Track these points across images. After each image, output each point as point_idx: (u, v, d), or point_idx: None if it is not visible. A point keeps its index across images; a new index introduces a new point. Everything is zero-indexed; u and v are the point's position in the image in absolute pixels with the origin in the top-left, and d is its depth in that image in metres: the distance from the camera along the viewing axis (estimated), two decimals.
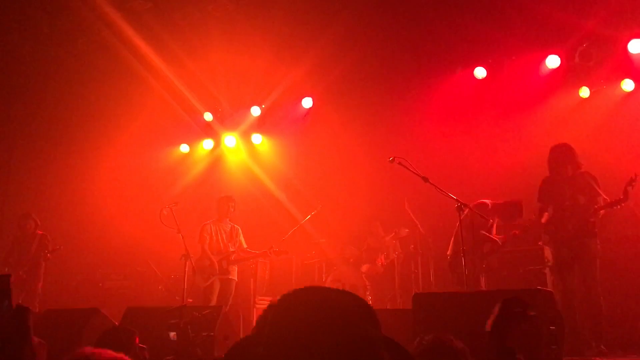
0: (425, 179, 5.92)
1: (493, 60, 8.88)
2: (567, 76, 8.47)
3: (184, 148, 11.26)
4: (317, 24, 8.53)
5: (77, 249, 9.55)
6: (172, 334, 5.14)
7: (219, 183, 10.69)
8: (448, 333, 2.50)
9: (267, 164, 10.77)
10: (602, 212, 5.84)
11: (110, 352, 2.17)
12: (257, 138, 10.94)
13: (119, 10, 8.33)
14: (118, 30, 8.56)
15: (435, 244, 8.53)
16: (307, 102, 10.29)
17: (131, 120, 10.57)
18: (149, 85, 9.66)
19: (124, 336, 3.83)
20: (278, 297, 1.45)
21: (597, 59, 8.11)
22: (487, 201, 7.02)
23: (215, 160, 11.25)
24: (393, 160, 5.90)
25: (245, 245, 8.15)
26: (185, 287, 7.24)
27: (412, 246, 8.77)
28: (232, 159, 11.16)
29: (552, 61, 8.43)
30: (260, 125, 10.93)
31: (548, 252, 6.96)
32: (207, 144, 11.21)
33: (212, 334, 5.47)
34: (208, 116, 10.79)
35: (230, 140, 10.93)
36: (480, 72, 8.96)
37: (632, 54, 7.94)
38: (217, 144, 11.17)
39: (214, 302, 7.56)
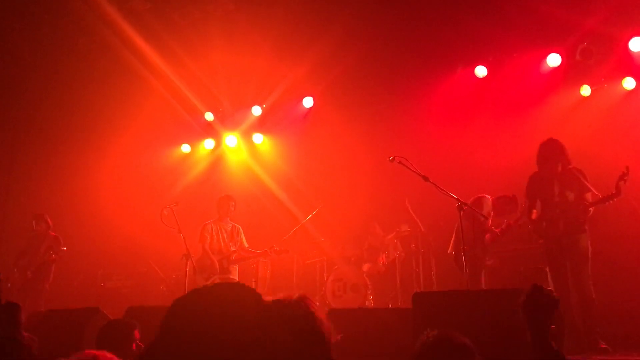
0: (426, 178, 5.92)
1: (494, 59, 8.88)
2: (568, 74, 8.46)
3: (185, 148, 11.28)
4: (317, 24, 8.53)
5: (78, 249, 9.55)
6: None
7: (220, 183, 10.70)
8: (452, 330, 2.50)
9: (268, 163, 10.78)
10: (592, 208, 5.80)
11: (109, 355, 2.18)
12: (258, 138, 10.95)
13: (119, 10, 8.34)
14: (119, 30, 8.57)
15: (436, 242, 8.53)
16: (307, 102, 10.30)
17: (132, 120, 10.58)
18: (150, 85, 9.67)
19: (124, 329, 3.82)
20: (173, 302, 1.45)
21: (598, 57, 8.10)
22: (487, 195, 7.07)
23: (216, 160, 11.26)
24: (393, 159, 5.91)
25: (246, 245, 8.16)
26: (187, 286, 7.26)
27: (413, 245, 8.76)
28: (233, 158, 11.17)
29: (553, 59, 8.43)
30: (261, 124, 10.94)
31: None
32: (208, 143, 11.22)
33: None
34: (209, 116, 10.81)
35: (231, 140, 10.94)
36: (481, 71, 8.97)
37: (633, 52, 7.93)
38: (218, 143, 11.19)
39: None
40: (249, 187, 10.37)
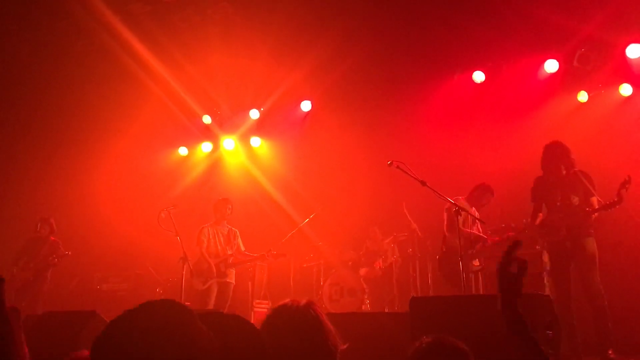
0: (423, 183, 5.92)
1: (492, 64, 8.90)
2: (565, 80, 8.49)
3: (183, 151, 11.28)
4: (316, 28, 8.54)
5: (75, 252, 9.51)
6: None
7: (217, 186, 10.70)
8: (448, 335, 2.49)
9: (266, 166, 10.78)
10: (594, 215, 5.73)
11: None
12: (255, 141, 10.95)
13: (117, 13, 8.33)
14: (117, 33, 8.56)
15: (433, 247, 8.53)
16: (306, 106, 10.31)
17: (130, 123, 10.57)
18: (148, 88, 9.66)
19: None
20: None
21: (595, 64, 8.13)
22: (459, 197, 7.10)
23: (214, 163, 11.26)
24: (391, 164, 5.91)
25: (243, 248, 8.15)
26: (183, 289, 7.24)
27: (411, 250, 8.76)
28: (231, 161, 11.17)
29: (551, 65, 8.46)
30: (259, 128, 10.95)
31: (546, 256, 6.99)
32: (205, 146, 11.23)
33: None
34: (207, 119, 10.81)
35: (229, 143, 10.94)
36: (478, 76, 8.99)
37: (630, 58, 7.97)
38: (216, 146, 11.19)
39: (211, 306, 7.56)
40: (246, 191, 10.37)
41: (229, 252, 7.97)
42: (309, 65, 9.02)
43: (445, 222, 7.19)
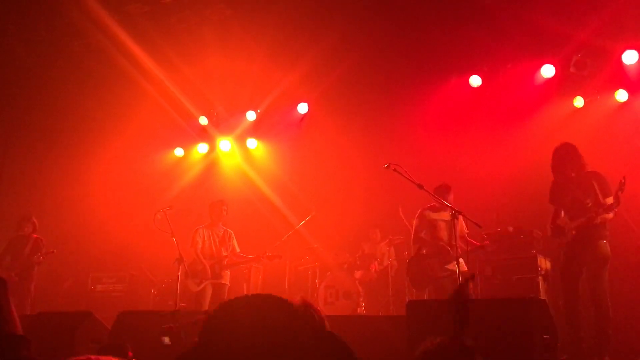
0: (420, 186, 5.92)
1: (488, 69, 8.93)
2: (561, 85, 8.52)
3: (179, 152, 11.26)
4: (312, 30, 8.55)
5: (69, 252, 9.51)
6: (166, 339, 5.12)
7: (213, 187, 10.69)
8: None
9: (262, 168, 10.78)
10: (598, 218, 5.62)
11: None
12: (252, 142, 10.94)
13: (114, 13, 8.32)
14: (113, 34, 8.54)
15: None
16: (302, 108, 10.31)
17: (126, 124, 10.56)
18: (144, 89, 9.64)
19: (117, 352, 3.81)
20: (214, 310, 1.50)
21: (591, 69, 8.17)
22: (424, 209, 7.22)
23: (210, 164, 11.25)
24: (388, 166, 5.90)
25: (238, 250, 8.13)
26: (178, 291, 7.23)
27: (406, 253, 8.76)
28: (227, 163, 11.16)
29: (547, 70, 8.49)
30: (256, 130, 10.94)
31: (541, 260, 7.01)
32: (202, 147, 11.21)
33: None
34: (203, 120, 10.80)
35: (225, 144, 10.93)
36: (475, 80, 9.02)
37: (626, 64, 8.01)
38: (212, 148, 11.18)
39: (206, 307, 7.54)
40: (242, 192, 10.36)
41: (224, 254, 7.96)
42: (305, 67, 9.03)
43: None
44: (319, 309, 2.74)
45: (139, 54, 8.90)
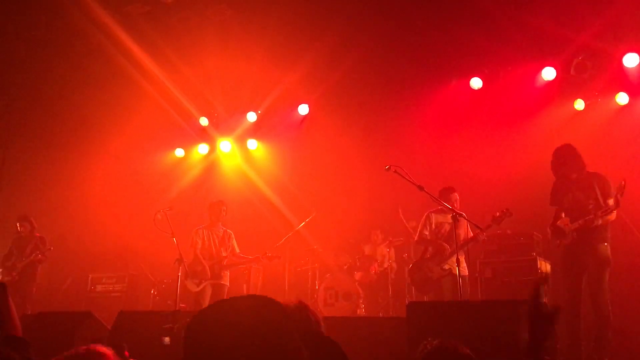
0: (421, 188, 5.92)
1: (489, 71, 8.94)
2: (562, 88, 8.53)
3: (179, 152, 11.27)
4: (313, 31, 8.56)
5: (69, 252, 9.50)
6: (166, 339, 5.11)
7: (214, 188, 10.68)
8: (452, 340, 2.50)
9: (263, 169, 10.78)
10: (599, 220, 5.60)
11: (103, 349, 2.20)
12: (252, 143, 10.95)
13: (115, 13, 8.32)
14: (113, 34, 8.55)
15: None
16: (303, 109, 10.32)
17: (126, 124, 10.56)
18: (145, 90, 9.65)
19: (114, 351, 3.79)
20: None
21: (592, 72, 8.18)
22: (430, 212, 7.21)
23: (211, 165, 11.25)
24: (389, 168, 5.90)
25: (237, 250, 8.12)
26: (178, 291, 7.23)
27: (406, 254, 8.76)
28: (227, 164, 11.16)
29: (548, 73, 8.51)
30: (256, 130, 10.95)
31: (541, 263, 7.01)
32: (202, 148, 11.22)
33: None
34: (204, 121, 10.81)
35: (225, 145, 10.94)
36: (476, 83, 9.02)
37: (626, 67, 8.02)
38: (213, 148, 11.18)
39: None
40: (242, 193, 10.36)
41: (224, 254, 7.95)
42: (306, 68, 9.04)
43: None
44: (315, 311, 2.74)
45: (139, 54, 8.91)
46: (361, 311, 8.38)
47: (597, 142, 7.90)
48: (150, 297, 9.30)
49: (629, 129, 8.09)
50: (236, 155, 11.10)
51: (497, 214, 6.48)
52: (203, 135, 11.11)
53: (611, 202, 5.64)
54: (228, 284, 7.96)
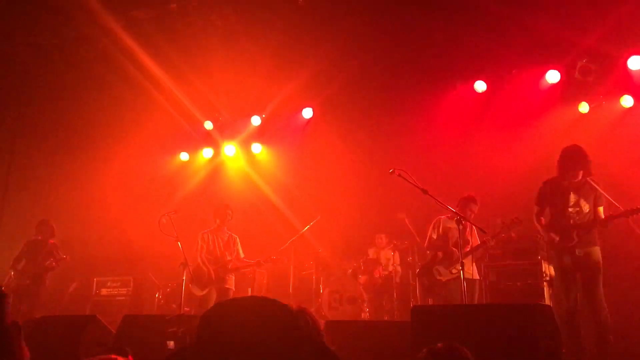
0: (425, 191, 5.90)
1: (493, 74, 8.93)
2: (566, 91, 8.52)
3: (184, 156, 11.30)
4: (317, 35, 8.58)
5: (75, 256, 9.51)
6: (170, 343, 5.12)
7: (218, 192, 10.71)
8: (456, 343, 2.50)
9: (267, 173, 10.80)
10: (614, 220, 5.59)
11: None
12: (256, 147, 10.97)
13: (120, 19, 8.36)
14: (119, 40, 8.59)
15: None
16: (307, 113, 10.33)
17: (131, 129, 10.60)
18: (149, 94, 9.68)
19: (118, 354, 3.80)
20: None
21: (596, 75, 8.16)
22: (441, 217, 7.23)
23: (215, 169, 11.27)
24: (393, 171, 5.89)
25: (242, 255, 8.13)
26: (183, 295, 7.23)
27: (410, 258, 8.76)
28: (232, 167, 11.19)
29: (552, 76, 8.49)
30: (260, 134, 10.97)
31: (546, 267, 6.98)
32: (206, 152, 11.25)
33: None
34: (208, 125, 10.84)
35: (230, 149, 10.96)
36: (480, 86, 9.02)
37: (631, 70, 8.00)
38: (217, 152, 11.21)
39: None
40: (246, 197, 10.38)
41: (228, 258, 7.96)
42: (310, 72, 9.05)
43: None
44: (315, 318, 2.73)
45: (145, 59, 8.95)
46: (365, 315, 8.37)
47: (601, 145, 7.86)
48: (155, 301, 9.32)
49: (633, 132, 8.07)
50: (240, 159, 11.12)
51: (507, 221, 6.48)
52: (207, 139, 11.14)
53: (601, 210, 5.77)
54: (233, 288, 7.97)
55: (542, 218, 6.08)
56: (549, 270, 7.02)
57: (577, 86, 8.40)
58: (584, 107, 8.49)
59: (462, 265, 5.91)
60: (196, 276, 7.66)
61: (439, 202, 6.33)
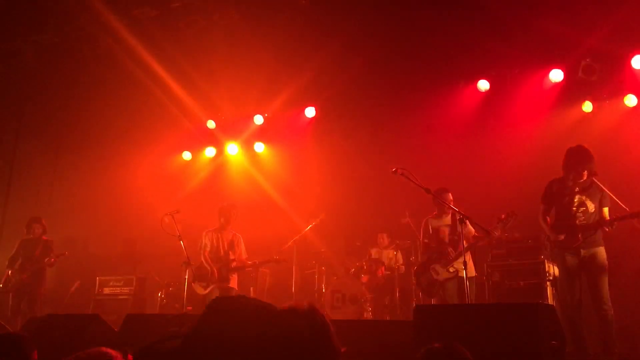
0: (428, 190, 5.90)
1: (497, 73, 8.92)
2: (570, 90, 8.50)
3: (187, 155, 11.30)
4: (320, 34, 8.58)
5: (77, 255, 9.53)
6: None
7: (221, 191, 10.70)
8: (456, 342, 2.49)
9: (269, 172, 10.79)
10: (618, 222, 5.58)
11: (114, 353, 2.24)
12: (259, 146, 10.97)
13: (123, 18, 8.37)
14: (122, 39, 8.60)
15: None
16: (310, 112, 10.32)
17: (133, 127, 10.61)
18: (152, 93, 9.69)
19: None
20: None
21: (600, 74, 8.13)
22: (428, 217, 7.24)
23: (218, 168, 11.27)
24: (396, 171, 5.88)
25: (245, 255, 8.12)
26: (186, 294, 7.24)
27: (413, 257, 8.74)
28: (235, 166, 11.19)
29: (556, 75, 8.47)
30: (263, 133, 10.96)
31: (549, 266, 6.96)
32: (209, 151, 11.25)
33: None
34: (211, 124, 10.84)
35: (232, 148, 10.96)
36: (483, 85, 9.00)
37: (635, 69, 7.97)
38: (220, 151, 11.21)
39: None
40: (249, 196, 10.37)
41: (232, 258, 7.95)
42: (313, 71, 9.06)
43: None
44: (324, 316, 2.71)
45: (147, 57, 8.96)
46: (368, 314, 8.36)
47: (605, 144, 7.83)
48: (158, 300, 9.31)
49: (637, 131, 8.04)
50: (243, 158, 11.12)
51: (503, 216, 6.45)
52: (210, 138, 11.14)
53: (606, 210, 5.75)
54: (236, 287, 7.97)
55: (547, 217, 6.06)
56: (552, 269, 6.99)
57: (580, 85, 8.38)
58: (587, 107, 8.46)
59: (465, 264, 5.89)
60: (199, 275, 7.66)
61: (442, 201, 6.33)
